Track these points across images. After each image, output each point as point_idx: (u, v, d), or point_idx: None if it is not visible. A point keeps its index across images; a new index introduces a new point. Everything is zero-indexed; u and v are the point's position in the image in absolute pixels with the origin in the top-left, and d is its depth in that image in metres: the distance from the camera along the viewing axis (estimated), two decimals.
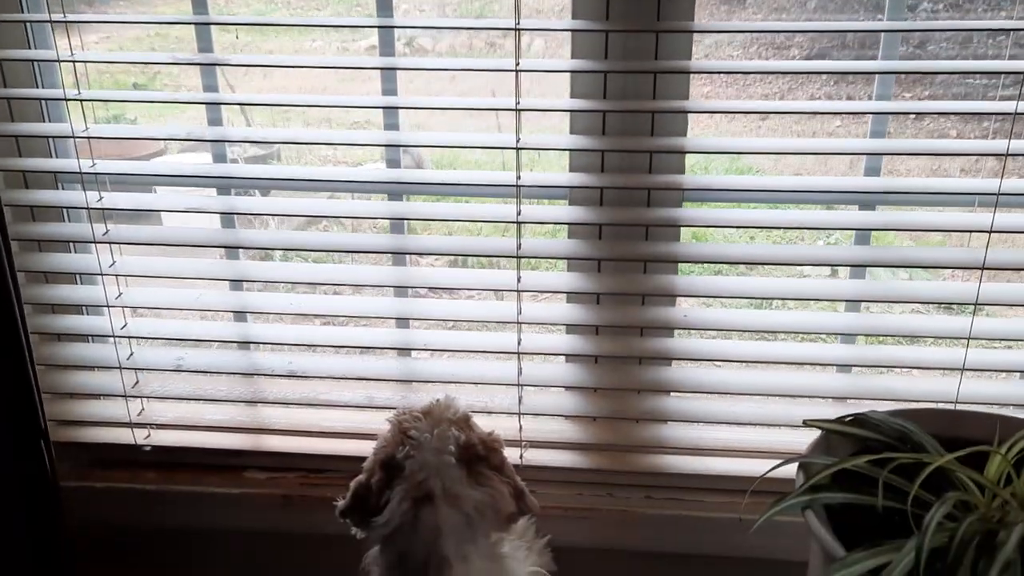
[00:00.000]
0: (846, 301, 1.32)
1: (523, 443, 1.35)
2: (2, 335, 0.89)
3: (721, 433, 1.35)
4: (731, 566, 1.33)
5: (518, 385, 1.33)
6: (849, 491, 0.92)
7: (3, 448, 0.92)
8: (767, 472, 1.00)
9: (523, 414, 1.34)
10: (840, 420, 1.02)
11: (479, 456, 1.05)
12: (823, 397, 1.33)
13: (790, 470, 1.00)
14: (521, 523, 1.17)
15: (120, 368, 1.36)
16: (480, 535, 1.03)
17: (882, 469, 0.90)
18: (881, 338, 1.37)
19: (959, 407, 1.21)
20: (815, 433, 1.04)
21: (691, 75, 1.23)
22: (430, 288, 1.53)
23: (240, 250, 1.39)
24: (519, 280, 1.27)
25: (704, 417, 1.32)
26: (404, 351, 1.39)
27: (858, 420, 1.01)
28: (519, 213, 1.24)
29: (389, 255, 1.39)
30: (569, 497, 1.34)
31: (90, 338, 1.40)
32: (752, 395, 1.30)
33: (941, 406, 1.19)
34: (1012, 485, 0.89)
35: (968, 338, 1.22)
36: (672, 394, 1.35)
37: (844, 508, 0.95)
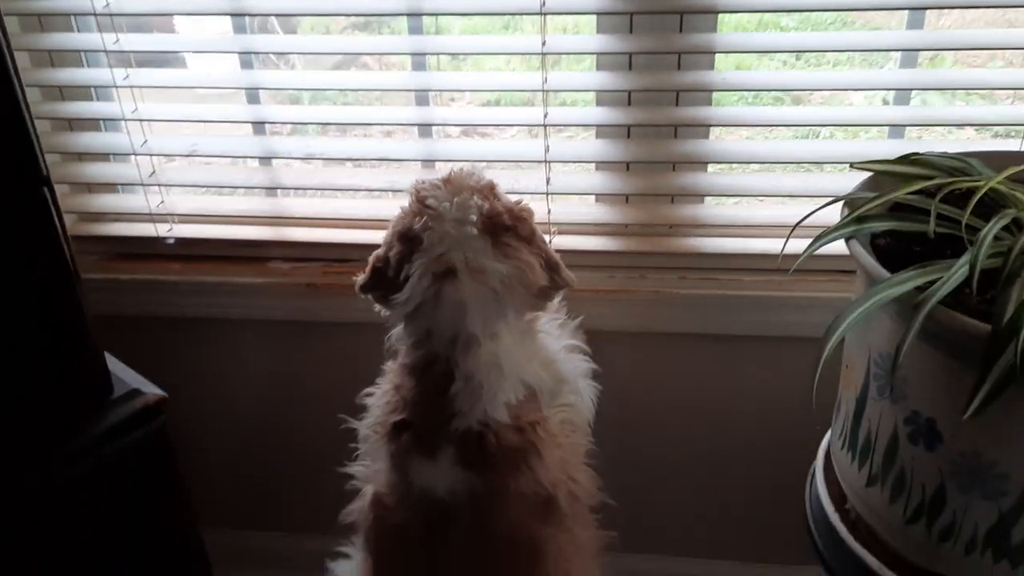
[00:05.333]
0: (890, 126, 1.24)
1: (552, 227, 1.29)
2: None
3: (761, 210, 1.28)
4: (766, 345, 1.29)
5: (545, 162, 1.25)
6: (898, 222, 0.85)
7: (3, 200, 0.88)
8: (810, 214, 0.92)
9: (551, 194, 1.27)
10: (890, 161, 0.93)
11: (505, 226, 0.98)
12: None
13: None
14: (553, 304, 1.12)
15: (134, 154, 1.32)
16: (510, 311, 0.98)
17: (933, 199, 0.82)
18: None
19: None
20: None
21: None
22: (457, 126, 1.45)
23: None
24: (546, 115, 1.19)
25: (743, 191, 1.24)
26: (425, 128, 1.31)
27: (909, 158, 0.92)
28: (545, 81, 1.16)
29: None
30: (600, 280, 1.29)
31: (102, 123, 1.36)
32: (795, 163, 1.22)
33: None
34: None
35: None
36: (709, 168, 1.27)
37: (890, 251, 0.89)
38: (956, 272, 0.73)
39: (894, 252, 0.87)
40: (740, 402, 1.34)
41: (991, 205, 0.81)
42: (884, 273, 0.78)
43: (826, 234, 0.85)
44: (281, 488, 1.56)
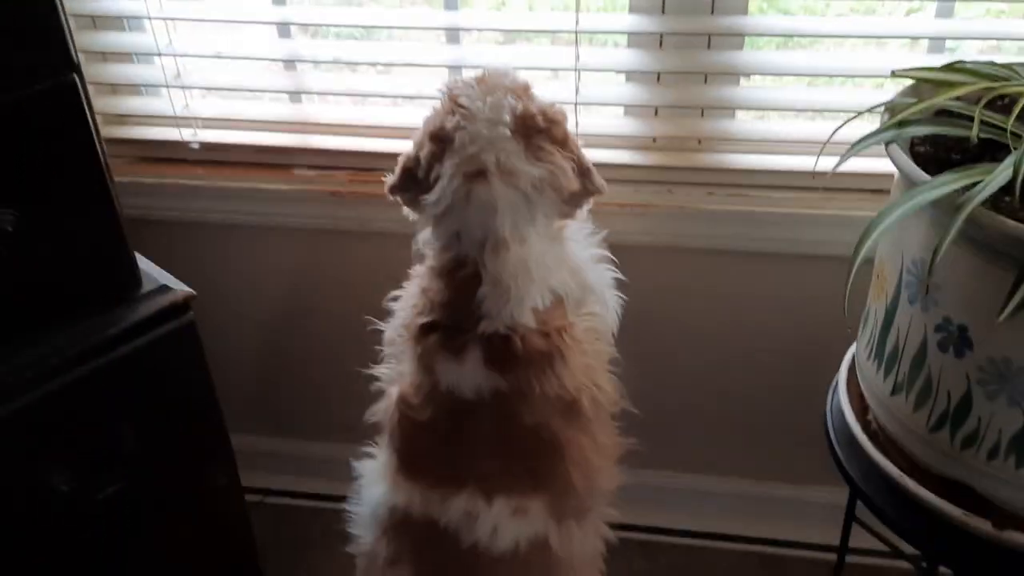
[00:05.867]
0: (930, 39, 1.19)
1: (579, 140, 1.27)
2: None
3: (792, 126, 1.25)
4: (792, 263, 1.28)
5: (575, 71, 1.23)
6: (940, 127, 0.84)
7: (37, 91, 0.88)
8: (845, 123, 0.90)
9: (580, 104, 1.25)
10: (933, 68, 0.91)
11: (538, 128, 0.96)
12: None
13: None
14: (583, 211, 1.11)
15: (159, 55, 1.30)
16: (540, 215, 0.97)
17: (976, 106, 0.81)
18: None
19: None
20: None
21: None
22: (486, 31, 1.42)
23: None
24: (577, 23, 1.15)
25: (777, 105, 1.22)
26: (453, 34, 1.29)
27: (953, 66, 0.90)
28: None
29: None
30: (626, 194, 1.28)
31: (126, 22, 1.34)
32: (831, 76, 1.19)
33: None
34: None
35: None
36: (742, 81, 1.24)
37: (928, 159, 0.87)
38: (999, 175, 0.72)
39: (933, 160, 0.85)
40: (763, 320, 1.34)
41: None
42: (924, 176, 0.77)
43: (867, 138, 0.84)
44: (302, 396, 1.58)
